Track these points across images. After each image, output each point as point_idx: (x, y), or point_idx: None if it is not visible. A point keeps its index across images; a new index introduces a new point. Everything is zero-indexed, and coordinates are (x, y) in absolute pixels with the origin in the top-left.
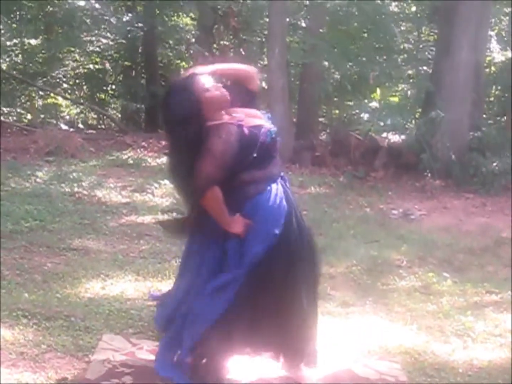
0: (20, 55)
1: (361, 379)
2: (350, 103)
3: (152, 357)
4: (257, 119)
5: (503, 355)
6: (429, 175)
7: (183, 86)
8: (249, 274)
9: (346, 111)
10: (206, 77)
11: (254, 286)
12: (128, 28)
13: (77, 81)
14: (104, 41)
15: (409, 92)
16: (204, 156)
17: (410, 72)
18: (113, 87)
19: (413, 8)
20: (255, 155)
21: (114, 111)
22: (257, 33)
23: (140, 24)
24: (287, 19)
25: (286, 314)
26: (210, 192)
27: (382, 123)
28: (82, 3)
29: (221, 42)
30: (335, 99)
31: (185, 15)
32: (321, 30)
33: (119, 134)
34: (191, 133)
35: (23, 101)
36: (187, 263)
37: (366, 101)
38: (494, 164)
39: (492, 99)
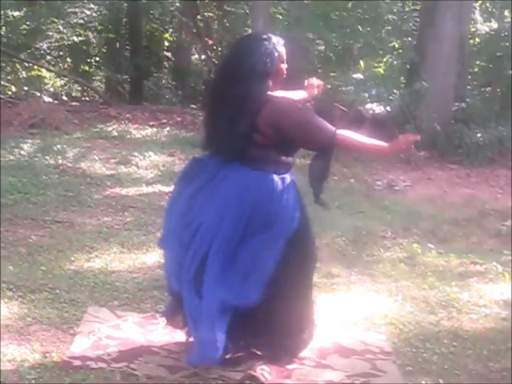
0: (3, 27)
1: (347, 350)
2: (334, 74)
3: (138, 329)
4: None
5: (488, 326)
6: (414, 146)
7: (265, 39)
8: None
9: (330, 82)
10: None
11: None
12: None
13: (61, 53)
14: (88, 12)
15: (394, 63)
16: (307, 121)
17: (394, 43)
18: (97, 59)
19: None
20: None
21: (98, 83)
22: (241, 4)
23: None
24: None
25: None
26: (339, 136)
27: (366, 94)
28: None
29: (205, 14)
30: (319, 70)
31: None
32: (305, 1)
33: (103, 106)
34: (260, 89)
35: (6, 73)
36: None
37: (350, 72)
38: (479, 135)
39: (476, 70)
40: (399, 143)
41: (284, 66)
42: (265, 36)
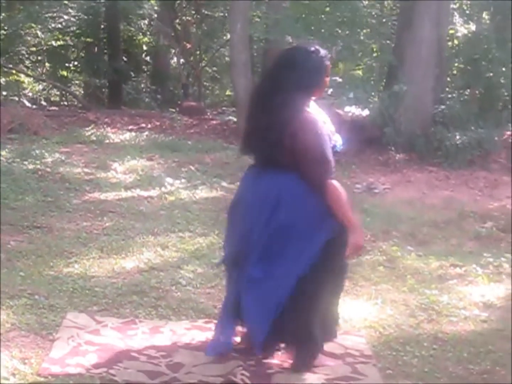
0: None
1: (327, 354)
2: None
3: (117, 335)
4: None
5: (468, 328)
6: (393, 148)
7: (313, 51)
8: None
9: None
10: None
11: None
12: (90, 4)
13: (39, 57)
14: (66, 17)
15: (373, 66)
16: (316, 147)
17: (373, 46)
18: (76, 63)
19: None
20: None
21: (77, 88)
22: (219, 8)
23: (102, 0)
24: None
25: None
26: (332, 182)
27: (345, 97)
28: None
29: (184, 18)
30: None
31: None
32: (284, 5)
33: (82, 111)
34: (301, 101)
35: None
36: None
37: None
38: (458, 137)
39: (455, 72)
40: (358, 233)
41: (327, 78)
42: (313, 49)
